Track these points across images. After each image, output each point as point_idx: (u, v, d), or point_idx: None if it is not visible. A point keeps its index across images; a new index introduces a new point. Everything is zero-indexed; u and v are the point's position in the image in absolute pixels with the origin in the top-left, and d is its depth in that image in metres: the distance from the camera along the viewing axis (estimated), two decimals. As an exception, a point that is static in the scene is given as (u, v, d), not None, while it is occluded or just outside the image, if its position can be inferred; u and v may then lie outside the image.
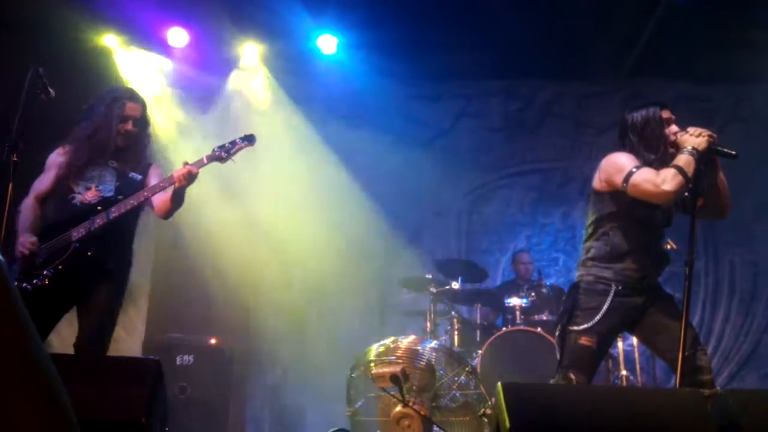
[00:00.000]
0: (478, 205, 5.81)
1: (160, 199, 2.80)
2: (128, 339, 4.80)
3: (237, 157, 2.85)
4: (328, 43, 5.47)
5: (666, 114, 2.59)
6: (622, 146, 2.60)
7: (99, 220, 2.68)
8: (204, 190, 4.35)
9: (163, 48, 5.31)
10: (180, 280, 5.32)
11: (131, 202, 2.72)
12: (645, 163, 2.48)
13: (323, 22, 5.28)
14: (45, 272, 2.63)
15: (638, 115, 2.60)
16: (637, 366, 4.32)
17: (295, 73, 5.76)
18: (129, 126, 2.82)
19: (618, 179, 2.47)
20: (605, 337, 2.49)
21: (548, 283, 4.77)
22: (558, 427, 1.82)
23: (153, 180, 2.87)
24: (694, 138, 2.44)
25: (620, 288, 2.46)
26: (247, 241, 5.50)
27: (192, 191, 2.85)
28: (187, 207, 2.97)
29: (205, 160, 2.79)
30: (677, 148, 2.47)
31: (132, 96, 2.87)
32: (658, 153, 2.50)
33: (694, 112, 5.58)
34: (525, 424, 1.80)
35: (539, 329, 4.07)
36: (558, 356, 2.55)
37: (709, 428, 1.80)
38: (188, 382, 3.95)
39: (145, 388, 1.97)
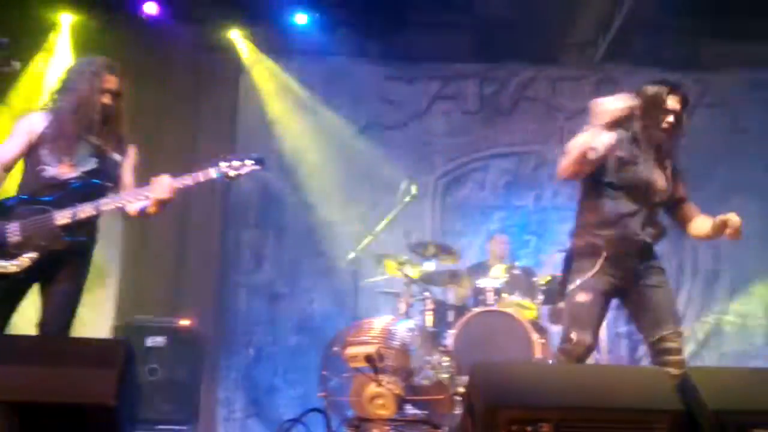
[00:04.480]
0: (452, 188, 5.83)
1: (135, 208, 2.69)
2: (97, 321, 4.71)
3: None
4: (302, 20, 5.39)
5: (670, 103, 2.63)
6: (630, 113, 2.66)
7: (88, 210, 2.56)
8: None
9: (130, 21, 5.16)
10: (151, 260, 5.23)
11: (116, 204, 2.62)
12: (639, 139, 2.56)
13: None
14: (26, 255, 2.49)
15: (648, 91, 2.66)
16: (604, 346, 4.42)
17: (269, 52, 5.67)
18: (106, 99, 2.67)
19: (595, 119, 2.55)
20: (600, 295, 2.50)
21: (519, 265, 4.84)
22: (528, 405, 1.84)
23: (127, 168, 2.76)
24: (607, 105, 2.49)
25: (611, 253, 2.48)
26: (220, 220, 5.44)
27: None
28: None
29: (213, 174, 2.67)
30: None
31: (110, 67, 2.72)
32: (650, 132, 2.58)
33: (664, 98, 5.67)
34: (496, 402, 1.82)
35: (510, 310, 4.13)
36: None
37: (674, 405, 1.85)
38: (159, 364, 3.90)
39: (114, 370, 1.93)
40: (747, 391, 1.88)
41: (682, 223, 2.73)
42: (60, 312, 2.61)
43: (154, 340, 3.96)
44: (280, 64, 5.72)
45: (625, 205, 2.53)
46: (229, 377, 5.30)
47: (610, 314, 4.55)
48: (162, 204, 2.64)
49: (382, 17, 5.42)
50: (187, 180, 2.65)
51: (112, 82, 2.69)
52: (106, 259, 4.84)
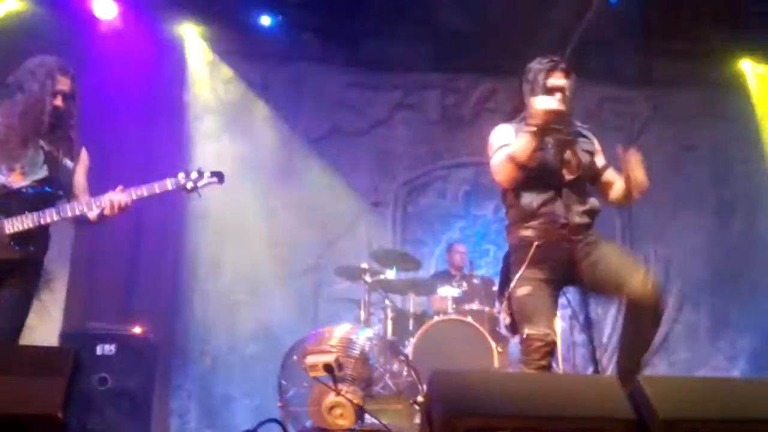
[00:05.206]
0: (414, 196, 5.87)
1: (89, 214, 2.63)
2: (43, 328, 4.50)
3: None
4: (265, 22, 5.36)
5: (552, 80, 2.55)
6: (518, 105, 2.65)
7: (38, 219, 2.50)
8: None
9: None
10: (102, 263, 5.06)
11: (70, 214, 2.56)
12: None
13: (261, 1, 5.16)
14: None
15: (528, 75, 2.61)
16: (559, 355, 4.50)
17: (232, 55, 5.60)
18: (58, 101, 2.58)
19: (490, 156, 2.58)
20: (542, 284, 2.45)
21: (478, 274, 4.90)
22: (485, 413, 1.86)
23: (80, 173, 2.70)
24: (534, 110, 2.42)
25: (542, 242, 2.46)
26: (176, 224, 5.31)
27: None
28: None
29: (170, 186, 2.65)
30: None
31: (63, 68, 2.63)
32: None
33: (617, 114, 5.87)
34: (455, 410, 1.83)
35: (469, 318, 4.17)
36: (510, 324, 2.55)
37: (626, 414, 1.89)
38: (109, 373, 3.76)
39: (62, 379, 1.85)
40: (697, 400, 1.94)
41: (604, 193, 2.65)
42: (8, 320, 2.51)
43: (105, 348, 3.82)
44: (242, 66, 5.66)
45: (542, 193, 2.50)
46: (183, 387, 5.16)
47: (565, 323, 4.69)
48: (119, 212, 2.60)
49: (346, 24, 5.44)
50: (143, 191, 2.62)
51: (64, 83, 2.61)
52: (55, 262, 4.65)
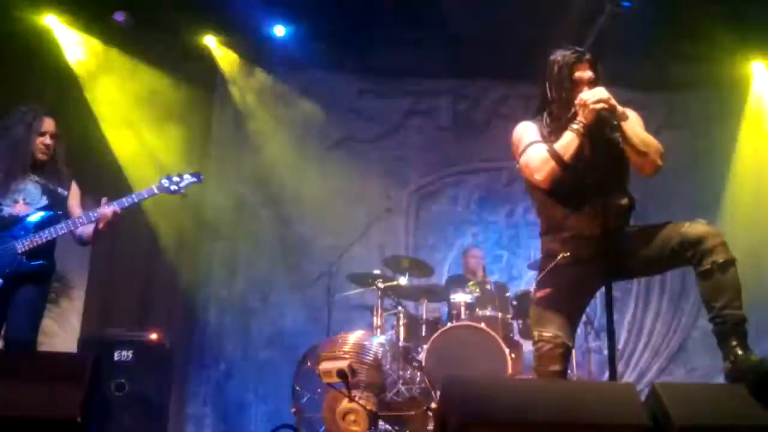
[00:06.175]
0: (426, 202, 5.88)
1: (85, 232, 2.99)
2: (62, 334, 4.59)
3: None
4: (279, 32, 5.43)
5: (578, 73, 2.35)
6: (541, 103, 2.45)
7: (46, 235, 2.85)
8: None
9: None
10: (119, 271, 5.13)
11: (67, 229, 2.89)
12: (557, 129, 2.31)
13: (274, 11, 5.22)
14: None
15: (552, 69, 2.38)
16: (574, 361, 4.47)
17: (246, 64, 5.67)
18: (47, 140, 2.98)
19: (516, 156, 2.38)
20: (562, 289, 2.32)
21: (492, 280, 4.88)
22: (499, 420, 1.86)
23: (74, 200, 3.05)
24: (583, 109, 2.24)
25: (568, 255, 2.32)
26: (192, 233, 5.37)
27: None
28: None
29: (156, 191, 3.03)
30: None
31: (47, 112, 3.03)
32: (568, 117, 2.29)
33: (632, 117, 5.81)
34: (469, 417, 1.84)
35: (482, 324, 4.16)
36: None
37: (641, 421, 1.88)
38: (127, 379, 3.80)
39: (81, 385, 1.89)
40: (713, 407, 1.92)
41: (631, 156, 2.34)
42: (24, 319, 2.80)
43: (122, 354, 3.87)
44: (257, 75, 5.72)
45: (571, 203, 2.32)
46: (198, 392, 5.20)
47: (580, 330, 4.66)
48: (110, 225, 2.92)
49: (358, 32, 5.47)
50: (133, 199, 2.98)
51: (49, 124, 2.99)
52: (73, 268, 4.74)
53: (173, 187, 3.06)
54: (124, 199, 2.95)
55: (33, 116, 2.97)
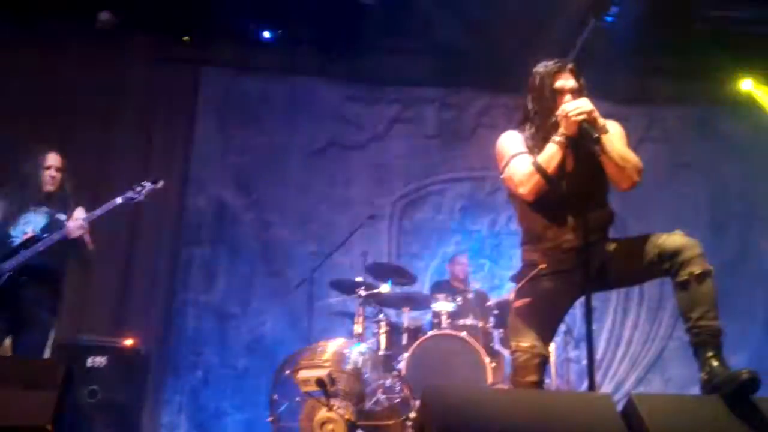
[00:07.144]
0: (409, 210, 5.88)
1: (88, 241, 3.39)
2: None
3: None
4: (265, 36, 5.41)
5: (561, 82, 2.35)
6: (524, 115, 2.44)
7: (28, 253, 3.24)
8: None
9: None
10: (93, 276, 5.02)
11: (46, 243, 3.25)
12: (540, 140, 2.30)
13: (261, 17, 5.21)
14: None
15: (535, 80, 2.38)
16: (553, 370, 4.49)
17: (230, 67, 5.64)
18: (53, 172, 3.40)
19: (501, 167, 2.36)
20: (540, 301, 2.31)
21: (473, 289, 4.89)
22: (479, 430, 1.85)
23: (71, 221, 3.35)
24: (564, 120, 2.22)
25: (547, 266, 2.31)
26: (171, 236, 5.29)
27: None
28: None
29: (119, 200, 3.39)
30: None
31: (52, 148, 3.45)
32: (548, 127, 2.28)
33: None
34: (448, 426, 1.82)
35: (464, 333, 4.15)
36: None
37: (618, 431, 1.88)
38: (100, 386, 3.71)
39: (53, 392, 1.84)
40: (689, 419, 1.94)
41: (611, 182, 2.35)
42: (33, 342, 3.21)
43: (95, 361, 3.79)
44: (242, 79, 5.69)
45: (551, 214, 2.31)
46: (173, 400, 5.10)
47: (559, 338, 4.68)
48: (84, 233, 3.31)
49: (345, 38, 5.47)
50: (103, 209, 3.33)
51: (54, 159, 3.40)
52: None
53: (135, 196, 3.42)
54: (89, 214, 3.32)
55: (39, 154, 3.39)
